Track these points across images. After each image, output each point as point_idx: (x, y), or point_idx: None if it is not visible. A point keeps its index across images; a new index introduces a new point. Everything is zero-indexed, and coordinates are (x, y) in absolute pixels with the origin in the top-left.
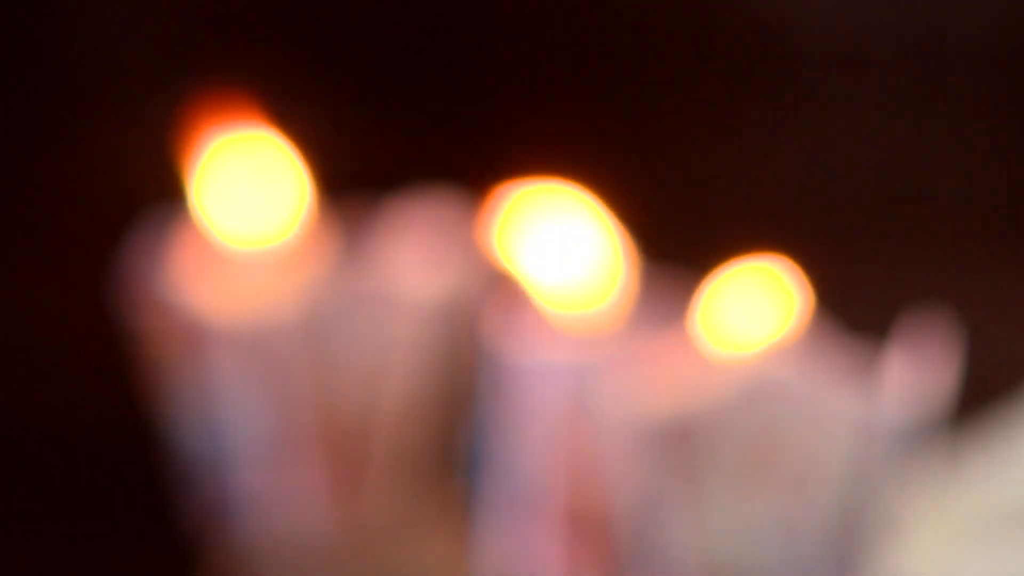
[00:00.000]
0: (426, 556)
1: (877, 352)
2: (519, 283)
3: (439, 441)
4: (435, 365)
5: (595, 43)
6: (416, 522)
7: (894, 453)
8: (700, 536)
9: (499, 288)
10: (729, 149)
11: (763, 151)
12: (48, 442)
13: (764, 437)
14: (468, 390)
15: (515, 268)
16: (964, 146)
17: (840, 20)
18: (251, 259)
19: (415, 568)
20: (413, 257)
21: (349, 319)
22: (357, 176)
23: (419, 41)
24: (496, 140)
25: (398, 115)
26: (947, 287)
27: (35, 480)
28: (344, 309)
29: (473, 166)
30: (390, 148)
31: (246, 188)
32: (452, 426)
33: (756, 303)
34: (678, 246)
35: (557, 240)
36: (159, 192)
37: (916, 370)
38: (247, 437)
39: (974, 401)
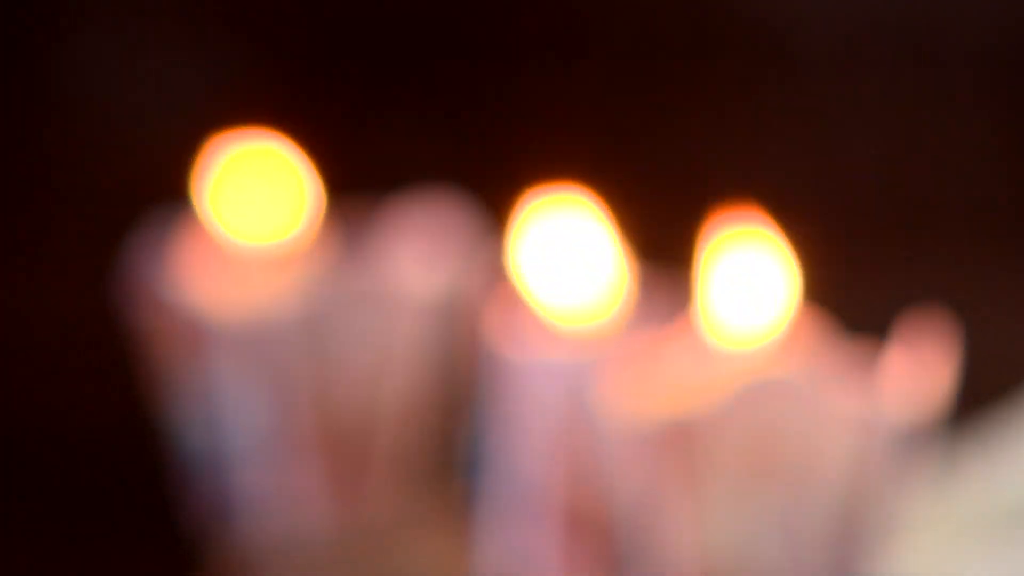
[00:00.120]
0: (426, 556)
1: (877, 352)
2: (519, 286)
3: (439, 441)
4: (435, 365)
5: (595, 44)
6: (416, 522)
7: (894, 453)
8: (700, 536)
9: (499, 288)
10: (729, 149)
11: (763, 151)
12: (49, 442)
13: (764, 437)
14: (468, 390)
15: (515, 271)
16: (964, 146)
17: (840, 20)
18: (253, 258)
19: (415, 568)
20: (414, 257)
21: (350, 318)
22: (358, 176)
23: (422, 43)
24: (497, 141)
25: (400, 115)
26: (947, 287)
27: (36, 480)
28: (345, 308)
29: (473, 167)
30: (391, 148)
31: (248, 188)
32: (452, 426)
33: (755, 303)
34: (678, 246)
35: (557, 244)
36: (161, 191)
37: (916, 370)
38: (248, 437)
39: (974, 401)
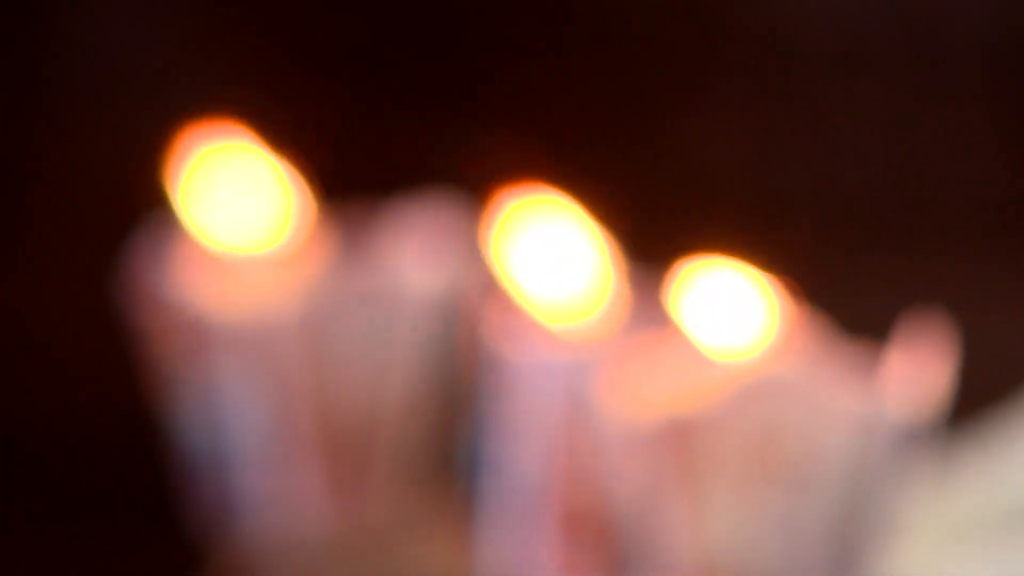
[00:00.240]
0: (427, 556)
1: (876, 352)
2: (513, 287)
3: (439, 441)
4: (435, 366)
5: (593, 45)
6: (417, 522)
7: (893, 453)
8: (700, 536)
9: (497, 290)
10: (728, 149)
11: (763, 151)
12: (50, 442)
13: (763, 436)
14: (468, 390)
15: (510, 272)
16: (964, 146)
17: (840, 20)
18: (253, 259)
19: (416, 568)
20: (413, 257)
21: (349, 320)
22: (357, 178)
23: (417, 45)
24: (496, 142)
25: (399, 116)
26: (946, 287)
27: (37, 480)
28: (345, 309)
29: (471, 169)
30: (391, 149)
31: (247, 189)
32: (452, 426)
33: (754, 302)
34: (677, 247)
35: (550, 248)
36: (162, 193)
37: (915, 371)
38: (249, 437)
39: (973, 402)
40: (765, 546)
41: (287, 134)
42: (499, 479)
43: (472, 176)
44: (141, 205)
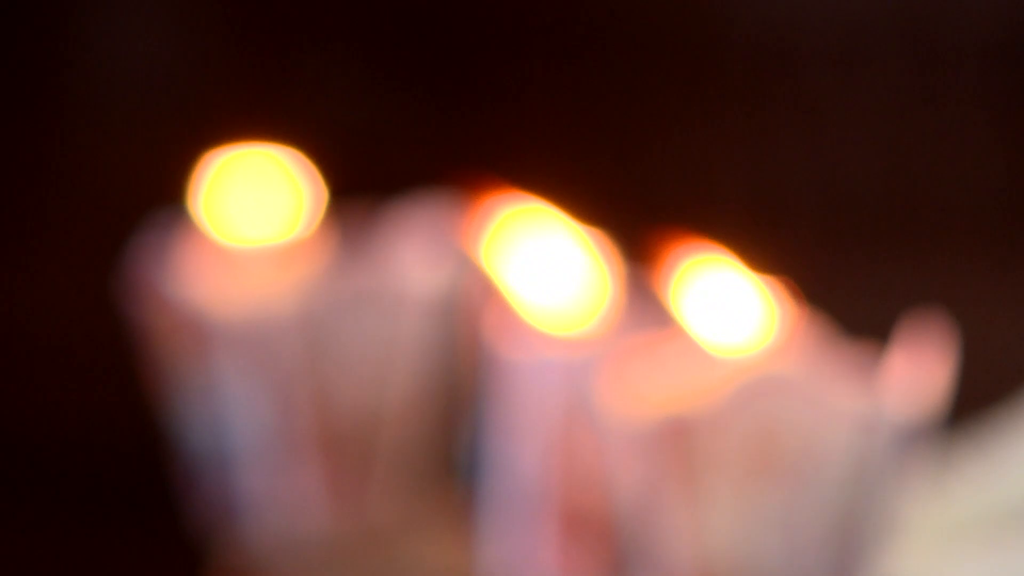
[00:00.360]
0: (427, 556)
1: (876, 352)
2: (512, 293)
3: (440, 441)
4: (435, 365)
5: (594, 46)
6: (417, 522)
7: (893, 453)
8: (699, 535)
9: (497, 290)
10: (728, 149)
11: (762, 152)
12: (52, 441)
13: (762, 436)
14: (468, 390)
15: (508, 278)
16: (964, 147)
17: (840, 20)
18: (255, 257)
19: (416, 568)
20: (414, 257)
21: (351, 319)
22: (358, 177)
23: (420, 47)
24: (496, 142)
25: (400, 117)
26: (946, 287)
27: (39, 479)
28: (346, 309)
29: (472, 169)
30: (391, 150)
31: (250, 187)
32: (452, 426)
33: (753, 302)
34: (676, 246)
35: (549, 249)
36: (164, 190)
37: (915, 370)
38: (250, 437)
39: (973, 402)
40: (765, 545)
41: (290, 134)
42: (499, 479)
43: (473, 176)
44: (144, 203)
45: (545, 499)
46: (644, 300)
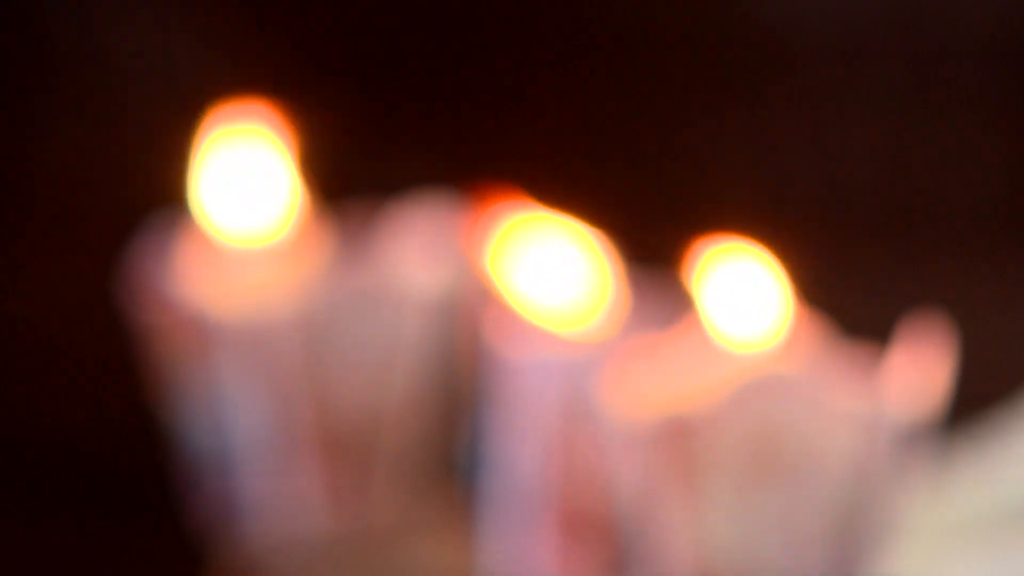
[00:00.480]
0: (428, 556)
1: (877, 352)
2: (513, 294)
3: (440, 441)
4: (435, 366)
5: (595, 46)
6: (417, 522)
7: (893, 453)
8: (699, 535)
9: (497, 290)
10: (728, 149)
11: (762, 151)
12: (52, 442)
13: (763, 436)
14: (468, 390)
15: (509, 278)
16: (965, 147)
17: (840, 18)
18: (255, 258)
19: (416, 568)
20: (414, 257)
21: (351, 319)
22: (358, 177)
23: (421, 48)
24: (497, 143)
25: (400, 118)
26: (946, 287)
27: (38, 480)
28: (346, 309)
29: (473, 169)
30: (391, 150)
31: (249, 187)
32: (452, 426)
33: (753, 301)
34: (677, 247)
35: (550, 250)
36: (164, 190)
37: (915, 371)
38: (250, 437)
39: (973, 402)
40: (764, 545)
41: (290, 133)
42: (499, 479)
43: (473, 176)
44: (144, 203)
45: (545, 499)
46: (645, 300)
